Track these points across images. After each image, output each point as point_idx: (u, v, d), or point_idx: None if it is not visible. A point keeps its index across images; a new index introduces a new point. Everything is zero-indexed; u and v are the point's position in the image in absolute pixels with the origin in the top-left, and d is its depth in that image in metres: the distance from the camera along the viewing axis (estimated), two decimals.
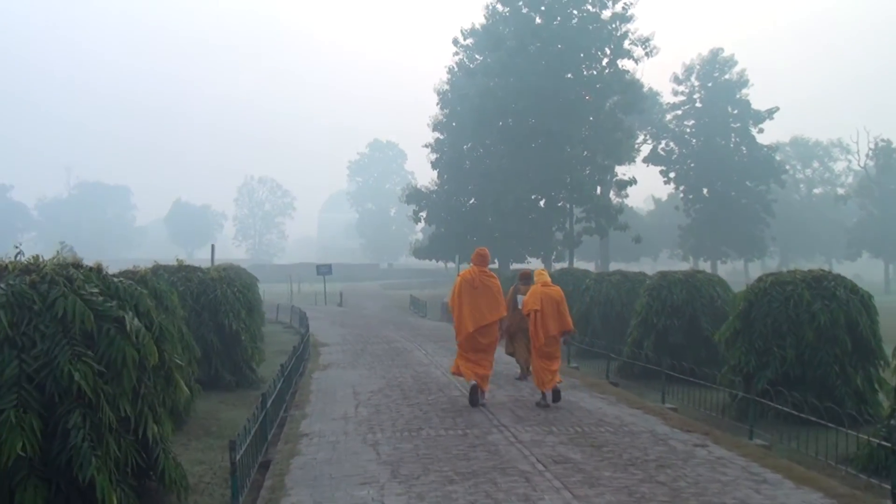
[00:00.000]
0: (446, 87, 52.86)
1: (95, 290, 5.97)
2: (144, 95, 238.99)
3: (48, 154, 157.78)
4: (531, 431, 8.32)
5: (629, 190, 48.18)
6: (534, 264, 48.45)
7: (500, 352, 11.46)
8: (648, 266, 64.24)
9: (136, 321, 6.01)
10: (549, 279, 10.51)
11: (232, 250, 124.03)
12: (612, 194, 48.33)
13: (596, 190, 41.89)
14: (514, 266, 48.72)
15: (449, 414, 9.36)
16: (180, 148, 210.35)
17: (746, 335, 10.19)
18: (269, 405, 7.83)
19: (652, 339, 13.24)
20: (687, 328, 13.18)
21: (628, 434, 8.25)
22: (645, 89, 49.49)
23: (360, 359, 15.50)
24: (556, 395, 9.78)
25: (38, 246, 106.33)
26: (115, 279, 6.44)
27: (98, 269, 6.48)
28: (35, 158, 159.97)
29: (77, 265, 6.30)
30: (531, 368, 10.58)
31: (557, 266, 43.65)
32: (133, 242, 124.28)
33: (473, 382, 9.69)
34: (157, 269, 12.29)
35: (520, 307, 11.12)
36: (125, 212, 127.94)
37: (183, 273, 12.20)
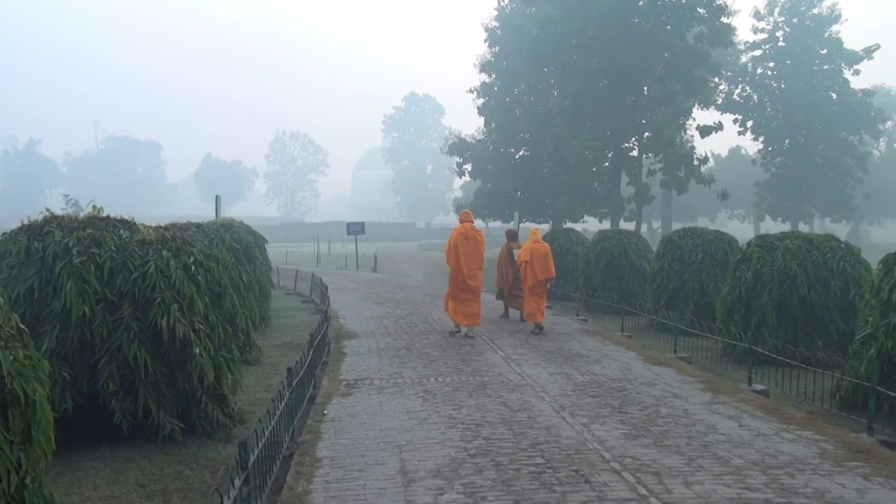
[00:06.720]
0: (495, 23, 46.44)
1: None
2: (174, 44, 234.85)
3: (75, 107, 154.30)
4: None
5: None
6: (591, 224, 42.39)
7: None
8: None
9: None
10: (539, 237, 13.12)
11: (263, 208, 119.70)
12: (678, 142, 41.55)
13: (676, 136, 35.31)
14: (569, 226, 42.70)
15: None
16: (211, 102, 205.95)
17: None
18: None
19: None
20: None
21: None
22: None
23: (405, 367, 9.90)
24: (540, 328, 12.62)
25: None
26: None
27: None
28: (62, 111, 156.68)
29: None
30: (525, 308, 13.21)
31: (625, 227, 37.45)
32: (164, 199, 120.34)
33: (464, 329, 12.29)
34: (49, 222, 6.82)
35: (515, 259, 13.80)
36: (155, 168, 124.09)
37: (88, 232, 6.63)
